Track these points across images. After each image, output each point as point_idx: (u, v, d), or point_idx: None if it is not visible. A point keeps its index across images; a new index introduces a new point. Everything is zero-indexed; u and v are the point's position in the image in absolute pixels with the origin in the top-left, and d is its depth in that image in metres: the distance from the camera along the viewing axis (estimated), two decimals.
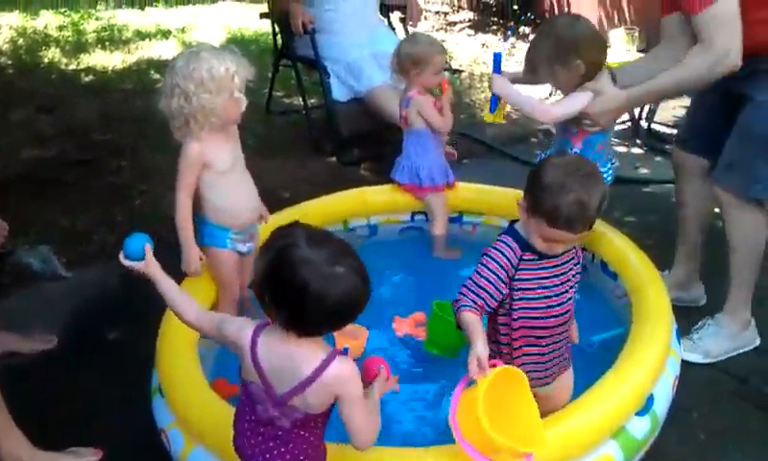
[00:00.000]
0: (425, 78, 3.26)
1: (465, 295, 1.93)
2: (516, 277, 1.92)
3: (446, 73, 3.44)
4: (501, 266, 1.90)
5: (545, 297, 1.95)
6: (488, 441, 1.72)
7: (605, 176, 2.75)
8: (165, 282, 1.82)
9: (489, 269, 1.91)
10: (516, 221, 2.00)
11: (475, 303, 1.91)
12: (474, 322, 1.88)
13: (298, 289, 1.48)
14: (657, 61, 2.78)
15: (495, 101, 2.84)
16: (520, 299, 1.93)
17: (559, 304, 1.97)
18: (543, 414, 1.99)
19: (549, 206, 1.80)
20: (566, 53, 2.58)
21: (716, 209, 2.90)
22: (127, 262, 1.86)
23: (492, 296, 1.91)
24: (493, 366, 1.81)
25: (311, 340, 1.58)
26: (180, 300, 1.81)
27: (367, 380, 1.77)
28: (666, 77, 2.64)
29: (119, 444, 2.42)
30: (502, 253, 1.92)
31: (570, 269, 1.99)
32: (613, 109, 2.69)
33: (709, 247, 3.08)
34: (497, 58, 2.82)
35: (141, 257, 1.83)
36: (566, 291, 1.98)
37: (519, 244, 1.92)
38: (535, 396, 2.03)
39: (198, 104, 2.41)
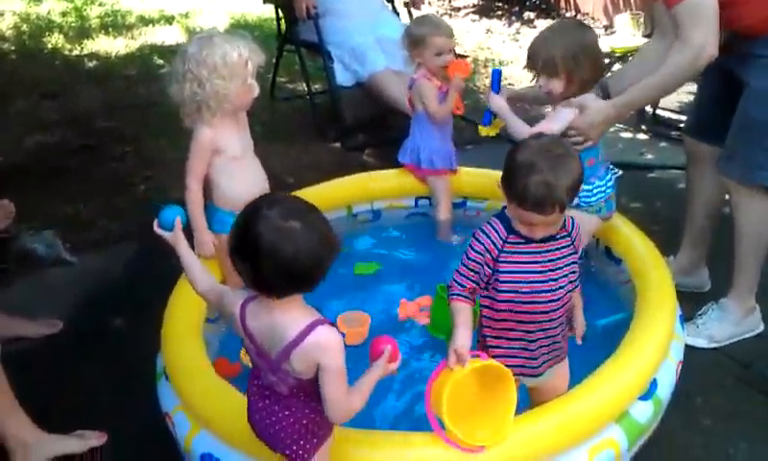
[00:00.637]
0: (427, 60, 3.24)
1: (456, 281, 1.96)
2: (501, 259, 1.90)
3: (464, 59, 3.40)
4: (486, 248, 1.90)
5: (533, 281, 1.90)
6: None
7: (606, 186, 2.75)
8: (187, 253, 1.89)
9: (475, 251, 1.92)
10: None
11: (464, 287, 1.94)
12: (461, 311, 1.91)
13: (251, 242, 1.51)
14: (647, 60, 2.79)
15: (489, 116, 2.85)
16: (506, 282, 1.91)
17: (549, 291, 1.92)
18: (538, 405, 2.01)
19: (519, 186, 1.80)
20: (575, 52, 2.56)
21: (727, 196, 2.89)
22: (158, 231, 1.94)
23: (480, 277, 1.93)
24: (477, 357, 1.83)
25: (294, 305, 1.60)
26: (197, 270, 1.87)
27: (372, 359, 1.78)
28: (650, 80, 2.63)
29: (122, 430, 2.43)
30: (487, 235, 1.92)
31: (564, 257, 1.95)
32: (602, 120, 2.66)
33: (716, 232, 3.07)
34: (496, 74, 2.83)
35: (172, 228, 1.92)
36: (558, 279, 1.93)
37: (505, 226, 1.91)
38: (529, 389, 2.03)
39: (211, 90, 2.42)
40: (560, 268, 1.94)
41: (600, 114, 2.64)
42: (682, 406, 2.40)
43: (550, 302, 1.93)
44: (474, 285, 1.94)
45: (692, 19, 2.47)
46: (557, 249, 1.94)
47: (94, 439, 2.39)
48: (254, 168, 2.69)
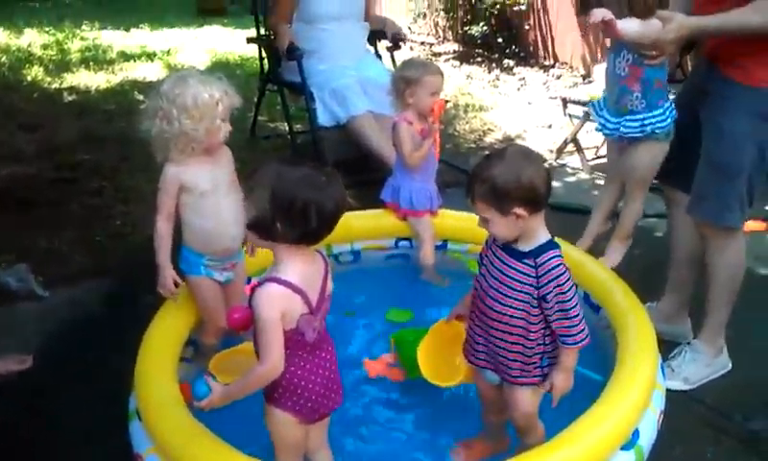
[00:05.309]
0: (420, 99, 3.26)
1: None
2: (482, 254, 2.16)
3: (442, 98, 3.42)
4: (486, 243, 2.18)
5: (482, 284, 2.09)
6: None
7: (667, 112, 2.88)
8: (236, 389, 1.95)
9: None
10: None
11: None
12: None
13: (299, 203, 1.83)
14: None
15: None
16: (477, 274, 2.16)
17: (494, 300, 2.05)
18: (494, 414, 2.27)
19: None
20: None
21: None
22: (197, 404, 1.94)
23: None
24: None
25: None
26: None
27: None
28: (731, 13, 2.51)
29: None
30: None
31: (519, 281, 2.00)
32: (678, 36, 2.57)
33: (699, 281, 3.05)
34: None
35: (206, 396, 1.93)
36: (507, 297, 2.02)
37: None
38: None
39: (179, 129, 2.39)
40: (511, 288, 2.02)
41: (681, 29, 2.57)
42: (661, 457, 2.38)
43: (491, 310, 2.06)
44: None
45: None
46: (515, 270, 2.02)
47: None
48: (227, 207, 2.51)
